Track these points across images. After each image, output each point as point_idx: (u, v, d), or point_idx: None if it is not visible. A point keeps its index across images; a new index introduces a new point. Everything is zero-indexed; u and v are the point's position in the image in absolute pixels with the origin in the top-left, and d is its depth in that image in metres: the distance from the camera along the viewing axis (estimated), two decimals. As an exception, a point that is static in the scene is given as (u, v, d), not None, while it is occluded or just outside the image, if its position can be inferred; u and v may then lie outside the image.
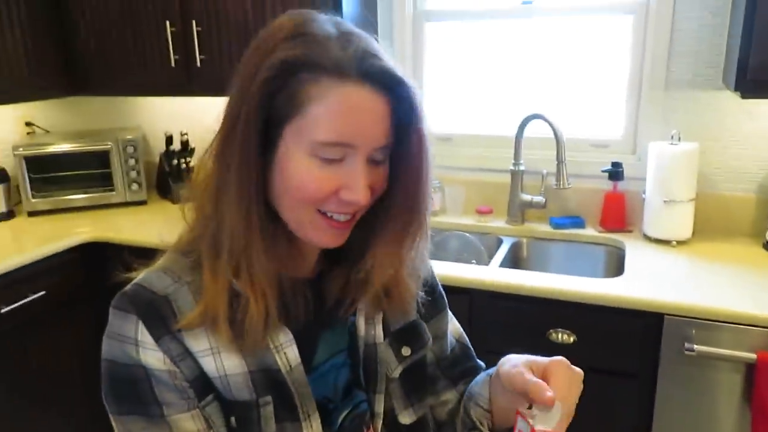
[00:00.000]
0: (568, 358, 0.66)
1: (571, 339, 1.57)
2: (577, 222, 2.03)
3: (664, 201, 1.81)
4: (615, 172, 1.95)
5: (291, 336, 0.69)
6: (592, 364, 1.64)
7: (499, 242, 2.02)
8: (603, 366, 1.55)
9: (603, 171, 1.97)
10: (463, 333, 0.92)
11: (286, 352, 0.68)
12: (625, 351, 1.55)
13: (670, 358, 1.50)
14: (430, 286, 0.85)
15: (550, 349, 1.57)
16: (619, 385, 1.58)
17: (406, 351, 0.79)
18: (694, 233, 1.86)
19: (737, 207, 1.90)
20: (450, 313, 0.90)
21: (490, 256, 1.95)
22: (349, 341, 0.75)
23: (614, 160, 1.96)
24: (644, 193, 1.90)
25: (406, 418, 0.80)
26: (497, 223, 2.11)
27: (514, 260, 2.00)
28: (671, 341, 1.49)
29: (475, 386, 0.83)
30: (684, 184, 1.81)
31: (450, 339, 0.89)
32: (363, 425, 0.76)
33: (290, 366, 0.68)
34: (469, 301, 1.65)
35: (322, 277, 0.75)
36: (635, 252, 1.81)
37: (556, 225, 2.03)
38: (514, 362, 0.67)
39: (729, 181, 1.91)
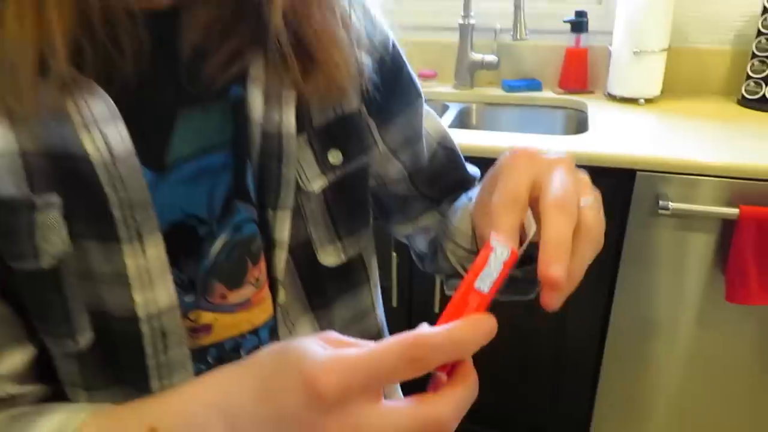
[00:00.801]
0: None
1: (528, 204, 1.35)
2: (533, 84, 1.78)
3: (634, 52, 1.57)
4: (579, 23, 1.69)
5: (112, 105, 0.39)
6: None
7: (445, 108, 1.76)
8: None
9: (565, 21, 1.70)
10: (448, 134, 0.64)
11: (104, 131, 0.38)
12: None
13: (641, 219, 1.31)
14: (391, 63, 0.55)
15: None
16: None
17: (335, 157, 0.50)
18: (662, 92, 1.64)
19: (711, 61, 1.69)
20: (428, 108, 0.62)
21: (435, 122, 1.68)
22: (234, 127, 0.46)
23: (578, 9, 1.70)
24: (610, 45, 1.66)
25: (329, 257, 0.52)
26: (443, 88, 1.83)
27: (461, 127, 1.74)
28: (643, 200, 1.29)
29: (452, 218, 0.58)
30: (656, 32, 1.57)
31: (429, 143, 0.61)
32: (247, 257, 0.47)
33: (111, 154, 0.39)
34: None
35: (179, 12, 0.43)
36: (599, 112, 1.58)
37: (510, 88, 1.78)
38: (510, 186, 0.40)
39: (704, 32, 1.68)
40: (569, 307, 1.45)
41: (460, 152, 0.64)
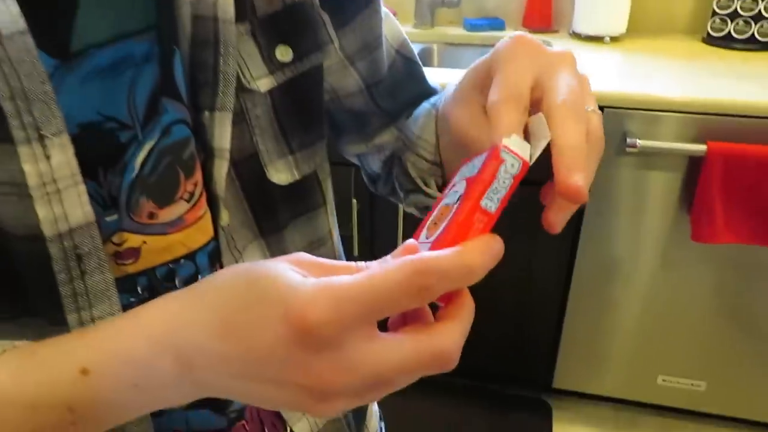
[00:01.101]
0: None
1: (493, 144, 1.31)
2: (496, 23, 1.71)
3: (600, -13, 1.52)
4: (543, -44, 1.62)
5: None
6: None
7: (406, 49, 1.68)
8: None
9: (529, -45, 1.63)
10: (407, 41, 0.56)
11: None
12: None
13: (608, 157, 1.27)
14: None
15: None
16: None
17: (284, 54, 0.43)
18: (627, 31, 1.60)
19: (676, -1, 1.65)
20: (385, 10, 0.53)
21: (395, 63, 1.61)
22: (158, 8, 0.37)
23: (542, -58, 1.63)
24: (576, -19, 1.60)
25: (280, 173, 0.45)
26: (402, 28, 1.74)
27: (423, 69, 1.67)
28: (610, 138, 1.25)
29: (412, 127, 0.52)
30: (623, -34, 1.52)
31: (387, 50, 0.53)
32: (179, 167, 0.38)
33: None
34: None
35: None
36: (564, 51, 1.53)
37: (472, 27, 1.70)
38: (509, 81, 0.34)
39: (670, -32, 1.64)
40: (535, 249, 1.43)
41: (419, 63, 0.57)
